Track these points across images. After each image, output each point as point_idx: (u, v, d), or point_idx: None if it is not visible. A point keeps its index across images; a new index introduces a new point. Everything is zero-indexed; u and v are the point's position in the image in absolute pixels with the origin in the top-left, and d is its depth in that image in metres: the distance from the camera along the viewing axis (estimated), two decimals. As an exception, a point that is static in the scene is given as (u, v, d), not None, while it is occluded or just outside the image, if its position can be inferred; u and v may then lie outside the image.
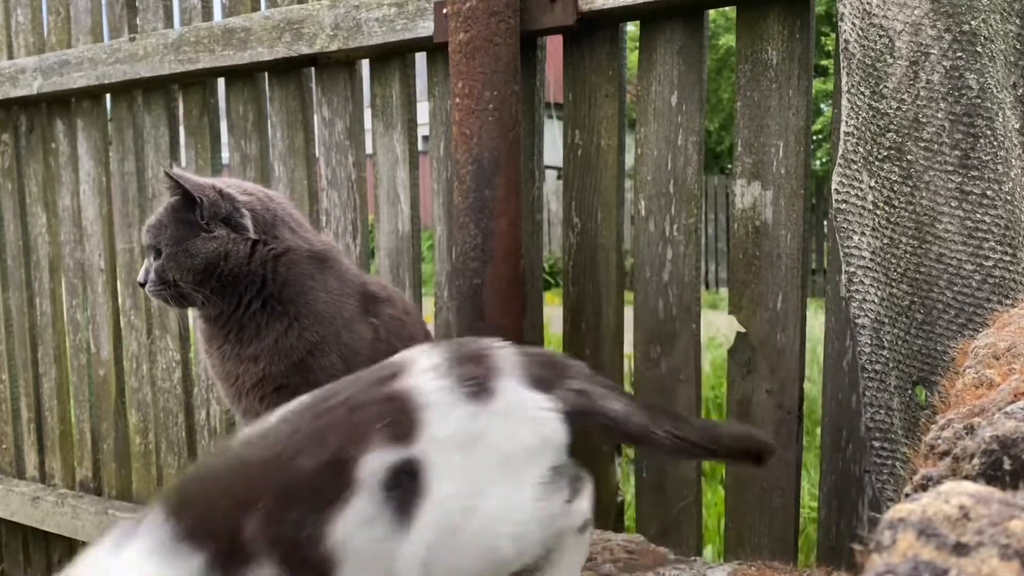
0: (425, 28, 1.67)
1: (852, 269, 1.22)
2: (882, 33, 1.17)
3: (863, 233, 1.21)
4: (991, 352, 0.75)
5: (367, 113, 1.91)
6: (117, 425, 2.37)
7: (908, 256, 1.20)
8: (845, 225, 1.21)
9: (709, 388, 3.68)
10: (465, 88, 1.53)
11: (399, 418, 0.84)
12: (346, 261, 1.30)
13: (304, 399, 0.89)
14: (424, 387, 0.87)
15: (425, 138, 1.90)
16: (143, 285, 1.20)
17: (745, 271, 1.50)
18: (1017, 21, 1.20)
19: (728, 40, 11.50)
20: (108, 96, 2.29)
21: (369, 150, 1.91)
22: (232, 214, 1.17)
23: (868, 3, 1.18)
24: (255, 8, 1.97)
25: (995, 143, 1.15)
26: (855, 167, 1.21)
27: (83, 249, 2.37)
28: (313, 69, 1.93)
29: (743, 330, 1.52)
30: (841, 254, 1.23)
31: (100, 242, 2.32)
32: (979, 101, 1.14)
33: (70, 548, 2.56)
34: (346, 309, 1.22)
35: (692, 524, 1.60)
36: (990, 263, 1.15)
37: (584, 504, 0.96)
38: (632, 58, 1.63)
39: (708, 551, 2.26)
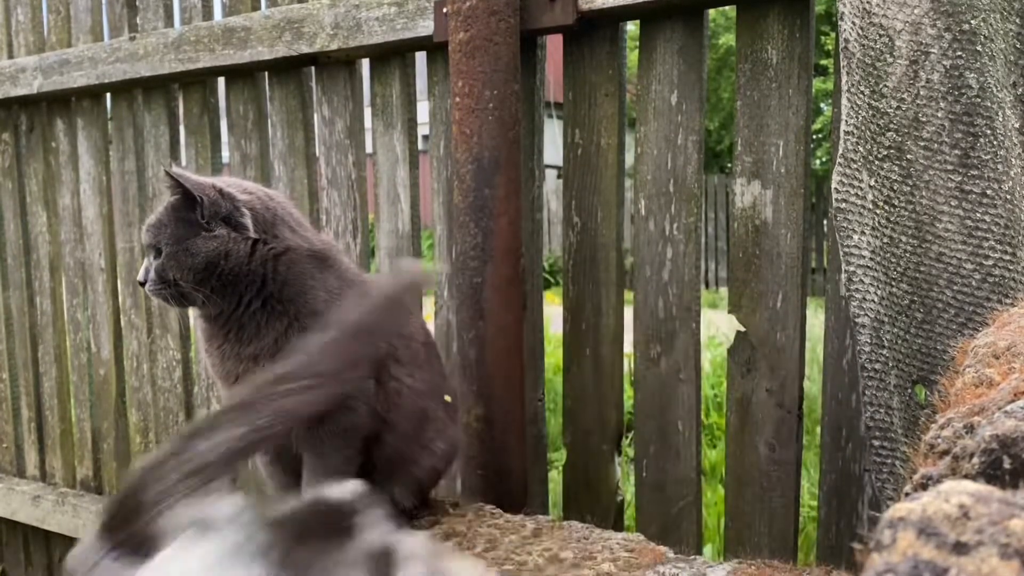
0: (425, 27, 1.67)
1: (852, 268, 1.22)
2: (882, 32, 1.17)
3: (863, 232, 1.21)
4: (991, 351, 0.75)
5: (367, 112, 1.91)
6: (118, 424, 2.37)
7: (908, 255, 1.20)
8: (845, 224, 1.22)
9: (709, 387, 3.69)
10: (465, 87, 1.53)
11: None
12: (346, 260, 1.30)
13: None
14: None
15: (425, 137, 1.90)
16: (143, 284, 1.20)
17: (745, 270, 1.50)
18: (1017, 20, 1.20)
19: (728, 39, 11.50)
20: (108, 95, 2.29)
21: (369, 149, 1.91)
22: (232, 213, 1.17)
23: (868, 2, 1.18)
24: (255, 7, 1.97)
25: (995, 142, 1.15)
26: (855, 166, 1.21)
27: (83, 248, 2.37)
28: (313, 68, 1.93)
29: (743, 329, 1.52)
30: (841, 253, 1.23)
31: (100, 241, 2.32)
32: (979, 100, 1.14)
33: (70, 547, 2.55)
34: (346, 308, 1.22)
35: (692, 523, 1.60)
36: (990, 262, 1.15)
37: None
38: (632, 57, 1.63)
39: (708, 550, 2.27)
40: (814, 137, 5.63)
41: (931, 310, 1.19)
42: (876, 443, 1.25)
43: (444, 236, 1.80)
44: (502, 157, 1.52)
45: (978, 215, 1.15)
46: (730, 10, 1.71)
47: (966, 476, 0.52)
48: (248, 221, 1.18)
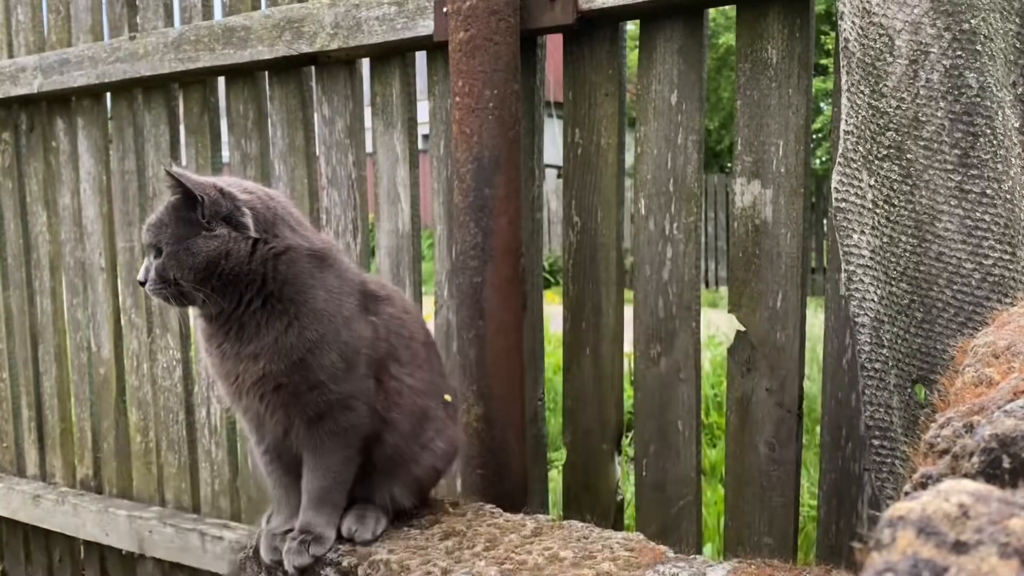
0: (425, 27, 1.68)
1: (852, 268, 1.22)
2: (882, 32, 1.17)
3: (863, 232, 1.21)
4: (990, 350, 0.75)
5: (367, 112, 1.91)
6: (118, 423, 2.37)
7: (908, 254, 1.20)
8: (845, 224, 1.22)
9: (709, 386, 3.69)
10: (465, 87, 1.53)
11: None
12: (346, 260, 1.30)
13: None
14: None
15: (425, 137, 1.90)
16: (143, 284, 1.20)
17: (745, 269, 1.51)
18: (1017, 20, 1.20)
19: (728, 39, 11.50)
20: (108, 95, 2.29)
21: (369, 149, 1.91)
22: (233, 213, 1.17)
23: (868, 2, 1.18)
24: (255, 7, 1.97)
25: (995, 142, 1.15)
26: (855, 166, 1.21)
27: (83, 248, 2.37)
28: (313, 68, 1.93)
29: (743, 328, 1.52)
30: (841, 252, 1.23)
31: (100, 241, 2.32)
32: (979, 100, 1.14)
33: (71, 546, 2.56)
34: (346, 308, 1.22)
35: (692, 522, 1.60)
36: (989, 261, 1.15)
37: None
38: (632, 57, 1.63)
39: (708, 549, 2.27)
40: (814, 136, 5.63)
41: (931, 309, 1.19)
42: (876, 442, 1.25)
43: (444, 236, 1.80)
44: (502, 157, 1.53)
45: (978, 214, 1.15)
46: (730, 9, 1.71)
47: (966, 475, 0.52)
48: (249, 220, 1.18)
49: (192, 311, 1.28)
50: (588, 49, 1.62)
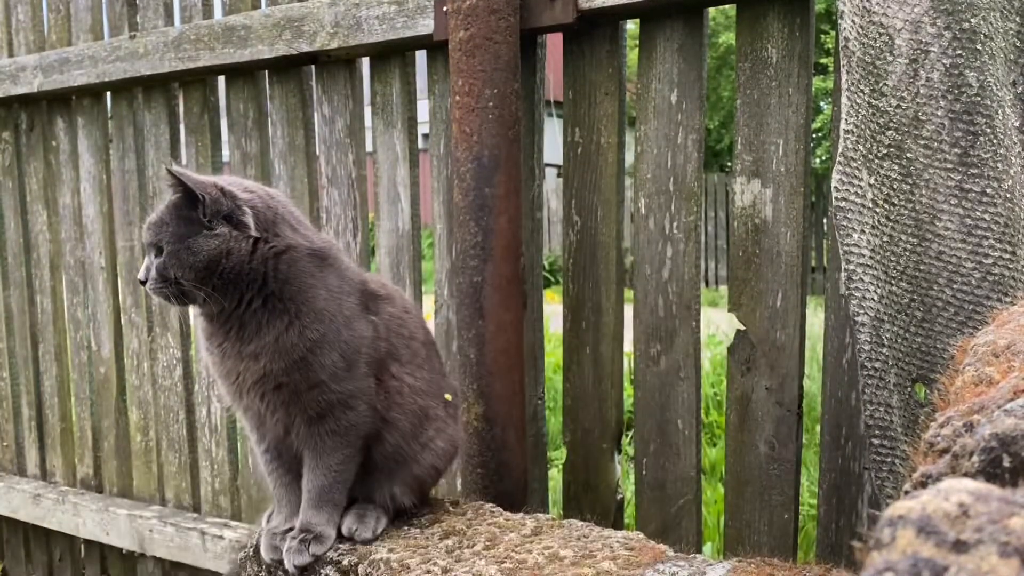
0: (425, 26, 1.67)
1: (852, 267, 1.22)
2: (882, 31, 1.17)
3: (863, 231, 1.21)
4: (991, 350, 0.75)
5: (367, 111, 1.91)
6: (118, 423, 2.37)
7: (908, 254, 1.20)
8: (845, 223, 1.22)
9: (709, 386, 3.69)
10: (465, 86, 1.53)
11: None
12: (346, 259, 1.30)
13: None
14: None
15: (425, 136, 1.90)
16: (144, 283, 1.20)
17: (745, 269, 1.51)
18: (1017, 19, 1.20)
19: (728, 38, 11.50)
20: (108, 94, 2.29)
21: (369, 148, 1.91)
22: (234, 212, 1.17)
23: (868, 1, 1.18)
24: (255, 6, 1.97)
25: (995, 141, 1.15)
26: (855, 165, 1.21)
27: (84, 247, 2.37)
28: (313, 67, 1.93)
29: (743, 328, 1.52)
30: (841, 252, 1.23)
31: (101, 240, 2.32)
32: (979, 99, 1.14)
33: (71, 546, 2.56)
34: (346, 307, 1.23)
35: (692, 521, 1.60)
36: (989, 261, 1.15)
37: None
38: (632, 56, 1.63)
39: (708, 548, 2.27)
40: (814, 136, 5.63)
41: (931, 308, 1.20)
42: (876, 441, 1.25)
43: (444, 235, 1.80)
44: (502, 156, 1.53)
45: (978, 213, 1.15)
46: (730, 9, 1.71)
47: (966, 474, 0.52)
48: (250, 220, 1.18)
49: (192, 310, 1.28)
50: (588, 48, 1.62)
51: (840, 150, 1.22)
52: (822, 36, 8.92)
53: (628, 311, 1.63)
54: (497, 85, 1.51)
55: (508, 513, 1.35)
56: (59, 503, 2.42)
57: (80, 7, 2.26)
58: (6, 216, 2.54)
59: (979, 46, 1.14)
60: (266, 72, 2.01)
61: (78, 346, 2.44)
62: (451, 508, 1.38)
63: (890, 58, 1.17)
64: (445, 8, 1.61)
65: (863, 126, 1.20)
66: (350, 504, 1.29)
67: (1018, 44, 1.21)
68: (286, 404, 1.21)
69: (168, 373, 2.24)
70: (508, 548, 1.18)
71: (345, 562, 1.22)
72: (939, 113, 1.15)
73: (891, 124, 1.18)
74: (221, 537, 2.09)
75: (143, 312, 2.27)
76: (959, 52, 1.14)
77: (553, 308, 2.07)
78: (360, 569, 1.20)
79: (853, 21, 1.19)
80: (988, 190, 1.15)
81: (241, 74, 2.02)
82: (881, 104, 1.18)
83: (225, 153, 2.13)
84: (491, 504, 1.40)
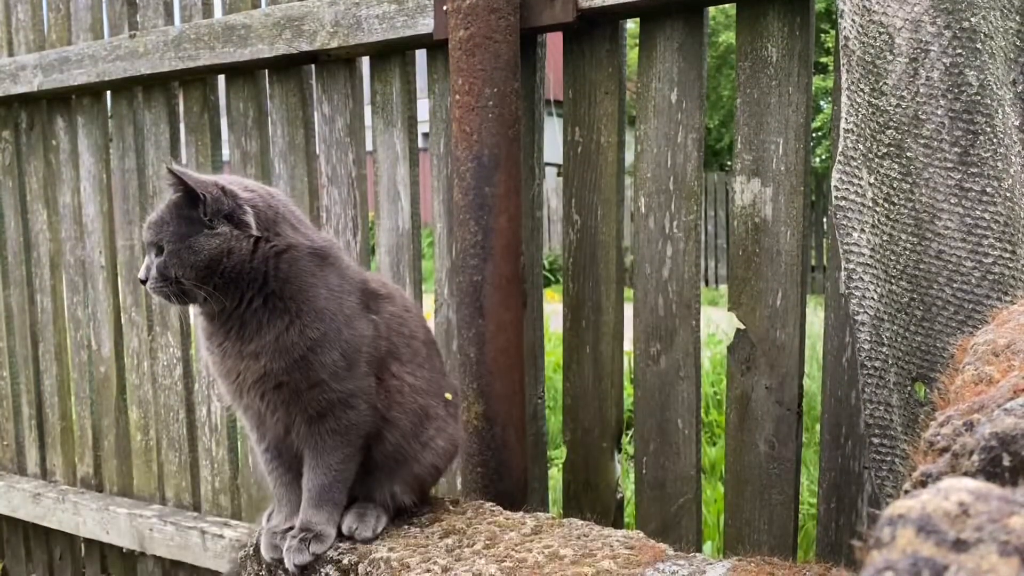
0: (425, 25, 1.67)
1: (852, 266, 1.22)
2: (882, 30, 1.17)
3: (863, 230, 1.21)
4: (990, 349, 0.75)
5: (367, 110, 1.91)
6: (118, 422, 2.37)
7: (908, 253, 1.20)
8: (845, 222, 1.22)
9: (709, 385, 3.69)
10: (465, 85, 1.53)
11: None
12: (346, 258, 1.30)
13: None
14: None
15: (425, 135, 1.90)
16: (144, 282, 1.20)
17: (745, 268, 1.51)
18: (1017, 18, 1.20)
19: (728, 37, 11.49)
20: (108, 93, 2.29)
21: (369, 147, 1.91)
22: (235, 211, 1.17)
23: (868, 0, 1.18)
24: (255, 5, 1.97)
25: (995, 140, 1.15)
26: (855, 164, 1.21)
27: (84, 246, 2.37)
28: (313, 66, 1.93)
29: (743, 327, 1.52)
30: (841, 251, 1.23)
31: (101, 239, 2.32)
32: (979, 98, 1.14)
33: (71, 544, 2.56)
34: (347, 306, 1.23)
35: (692, 520, 1.60)
36: (989, 260, 1.15)
37: None
38: (632, 55, 1.63)
39: (708, 547, 2.27)
40: (814, 135, 5.63)
41: (931, 307, 1.20)
42: (875, 440, 1.25)
43: (444, 234, 1.80)
44: (502, 155, 1.53)
45: (978, 213, 1.16)
46: (730, 8, 1.71)
47: (966, 473, 0.52)
48: (250, 219, 1.18)
49: (193, 309, 1.28)
50: (588, 47, 1.62)
51: (840, 149, 1.22)
52: (822, 35, 8.92)
53: (628, 310, 1.63)
54: (497, 84, 1.51)
55: (508, 512, 1.35)
56: (59, 502, 2.42)
57: (80, 6, 2.26)
58: (6, 215, 2.54)
59: (979, 45, 1.14)
60: (266, 71, 2.01)
61: (78, 345, 2.44)
62: (451, 507, 1.38)
63: (890, 57, 1.17)
64: (445, 7, 1.61)
65: (863, 125, 1.20)
66: (350, 503, 1.29)
67: (1018, 43, 1.21)
68: (286, 403, 1.21)
69: (168, 372, 2.24)
70: (508, 547, 1.18)
71: (345, 561, 1.22)
72: (939, 112, 1.16)
73: (891, 123, 1.18)
74: (221, 536, 2.09)
75: (143, 311, 2.27)
76: (959, 51, 1.14)
77: (553, 307, 2.07)
78: (360, 568, 1.20)
79: (853, 20, 1.19)
80: (988, 189, 1.15)
81: (241, 73, 2.02)
82: (881, 103, 1.19)
83: (225, 152, 2.13)
84: (491, 503, 1.40)
